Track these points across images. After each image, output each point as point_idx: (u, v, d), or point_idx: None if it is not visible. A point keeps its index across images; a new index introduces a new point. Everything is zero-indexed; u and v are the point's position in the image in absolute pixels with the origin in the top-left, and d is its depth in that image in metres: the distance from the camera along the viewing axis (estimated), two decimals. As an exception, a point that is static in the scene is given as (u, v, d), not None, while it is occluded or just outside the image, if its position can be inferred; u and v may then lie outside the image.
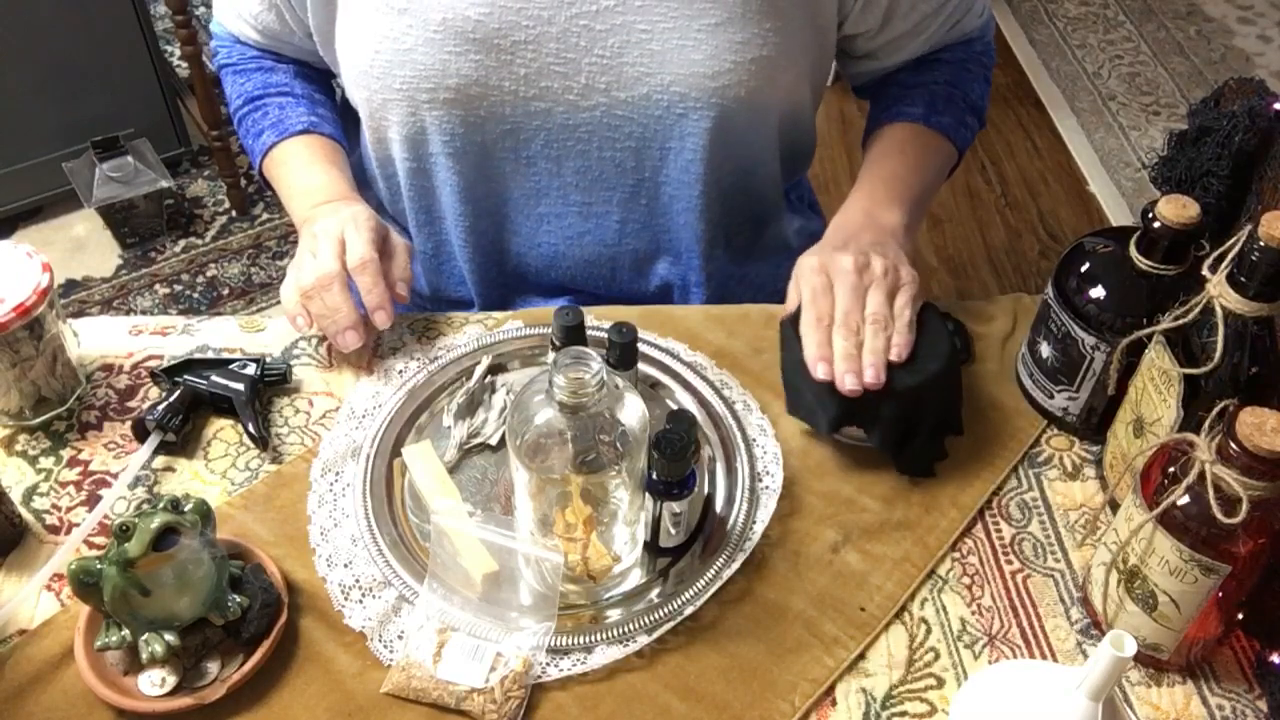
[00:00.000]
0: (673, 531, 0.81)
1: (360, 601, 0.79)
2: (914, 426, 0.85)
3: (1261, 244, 0.70)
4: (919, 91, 1.08)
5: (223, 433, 0.91)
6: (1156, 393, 0.79)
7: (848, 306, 0.87)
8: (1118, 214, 2.45)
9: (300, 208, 1.01)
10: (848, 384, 0.83)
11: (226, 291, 2.25)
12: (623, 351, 0.85)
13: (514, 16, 0.93)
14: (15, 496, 0.86)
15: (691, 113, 0.97)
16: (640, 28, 0.94)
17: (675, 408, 0.92)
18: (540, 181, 1.04)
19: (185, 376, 0.91)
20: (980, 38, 1.13)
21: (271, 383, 0.93)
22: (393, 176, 1.08)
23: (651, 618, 0.78)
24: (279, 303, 2.32)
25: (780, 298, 0.95)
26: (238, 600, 0.74)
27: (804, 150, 1.14)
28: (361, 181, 1.12)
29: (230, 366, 0.92)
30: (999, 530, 0.86)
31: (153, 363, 0.95)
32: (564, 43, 0.94)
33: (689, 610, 0.79)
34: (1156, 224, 0.80)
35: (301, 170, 1.04)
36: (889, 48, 1.07)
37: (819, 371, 0.84)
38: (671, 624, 0.78)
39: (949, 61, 1.10)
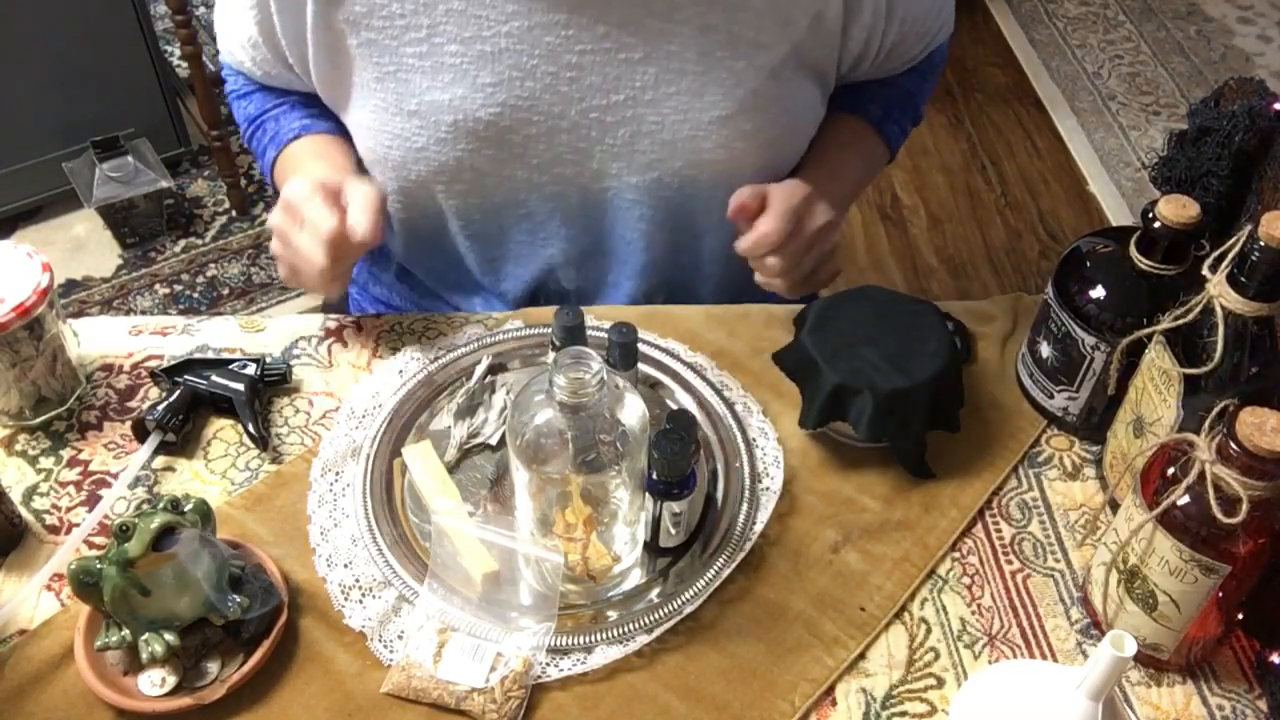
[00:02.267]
0: (673, 531, 0.81)
1: (360, 601, 0.79)
2: (907, 423, 0.85)
3: (1261, 244, 0.70)
4: (883, 91, 1.10)
5: (223, 433, 0.91)
6: (1156, 393, 0.79)
7: (796, 250, 0.92)
8: (1118, 214, 2.45)
9: None
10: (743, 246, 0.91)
11: (226, 291, 2.25)
12: (623, 351, 0.86)
13: (525, 114, 0.93)
14: (15, 496, 0.85)
15: (703, 191, 0.98)
16: (651, 119, 0.94)
17: (675, 408, 0.92)
18: (552, 248, 1.04)
19: (185, 376, 0.91)
20: (939, 47, 1.14)
21: (271, 383, 0.93)
22: (406, 232, 1.08)
23: (651, 618, 0.78)
24: (279, 303, 2.33)
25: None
26: (238, 600, 0.74)
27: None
28: None
29: (230, 366, 0.92)
30: (999, 530, 0.86)
31: (153, 363, 0.95)
32: (575, 134, 0.95)
33: (689, 610, 0.79)
34: (1156, 224, 0.80)
35: (297, 173, 1.02)
36: (876, 74, 1.08)
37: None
38: (671, 624, 0.78)
39: (914, 68, 1.11)
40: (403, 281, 1.15)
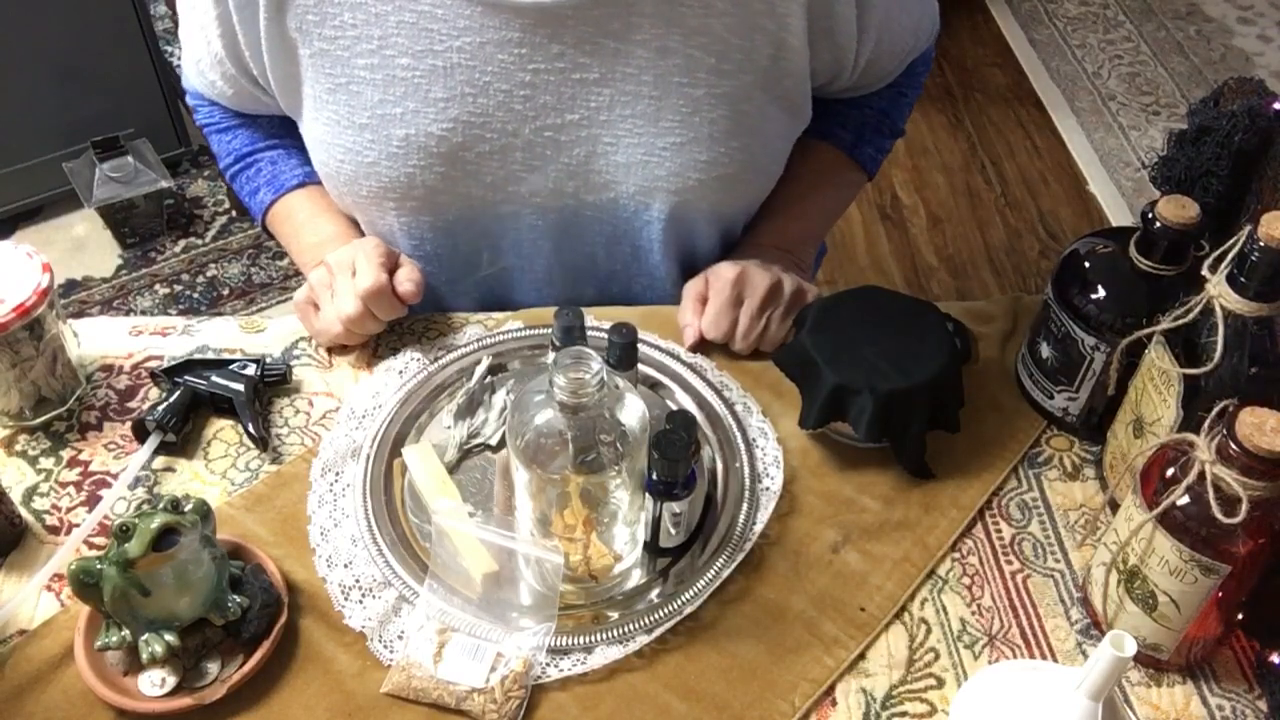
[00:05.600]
0: (673, 531, 0.81)
1: (360, 601, 0.79)
2: (907, 423, 0.85)
3: (1261, 244, 0.70)
4: (853, 115, 1.10)
5: (223, 433, 0.91)
6: (1156, 393, 0.79)
7: (746, 328, 0.95)
8: (1118, 214, 2.45)
9: (309, 263, 1.01)
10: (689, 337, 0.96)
11: (226, 291, 2.25)
12: (623, 351, 0.86)
13: (478, 130, 0.92)
14: (15, 496, 0.86)
15: (657, 218, 0.97)
16: (605, 140, 0.93)
17: (675, 408, 0.92)
18: (512, 275, 1.04)
19: (185, 377, 0.91)
20: (922, 57, 1.12)
21: (271, 383, 0.93)
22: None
23: (651, 618, 0.78)
24: (279, 303, 2.32)
25: None
26: (238, 600, 0.74)
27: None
28: None
29: (230, 367, 0.92)
30: (999, 530, 0.86)
31: (153, 363, 0.95)
32: (530, 152, 0.94)
33: (689, 610, 0.79)
34: (1156, 224, 0.80)
35: (305, 225, 1.03)
36: (850, 93, 1.08)
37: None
38: (671, 624, 0.78)
39: (891, 85, 1.10)
40: None
